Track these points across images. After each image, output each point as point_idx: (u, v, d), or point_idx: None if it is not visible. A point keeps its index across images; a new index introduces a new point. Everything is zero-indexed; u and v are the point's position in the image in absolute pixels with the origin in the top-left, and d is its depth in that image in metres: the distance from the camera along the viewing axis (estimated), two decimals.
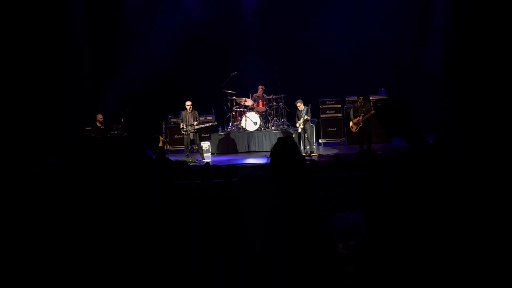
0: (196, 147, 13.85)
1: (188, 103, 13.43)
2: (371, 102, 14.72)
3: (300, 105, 13.93)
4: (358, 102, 13.30)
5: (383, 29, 16.26)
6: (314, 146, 13.93)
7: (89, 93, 15.87)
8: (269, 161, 3.55)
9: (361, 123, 13.12)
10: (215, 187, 6.61)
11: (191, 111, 13.40)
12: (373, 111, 12.99)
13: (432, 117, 15.73)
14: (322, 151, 14.23)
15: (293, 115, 14.34)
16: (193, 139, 13.49)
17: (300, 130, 13.90)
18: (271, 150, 3.63)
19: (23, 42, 13.16)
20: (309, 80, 16.28)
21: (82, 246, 2.71)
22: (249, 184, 3.60)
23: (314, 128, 14.43)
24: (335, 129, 15.49)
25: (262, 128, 14.85)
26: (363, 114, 13.09)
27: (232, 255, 3.41)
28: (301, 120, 13.79)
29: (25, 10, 13.21)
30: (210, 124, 14.43)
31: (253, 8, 16.90)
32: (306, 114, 13.75)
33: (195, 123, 13.33)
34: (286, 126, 14.95)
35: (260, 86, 15.12)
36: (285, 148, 3.53)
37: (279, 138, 3.70)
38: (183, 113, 13.55)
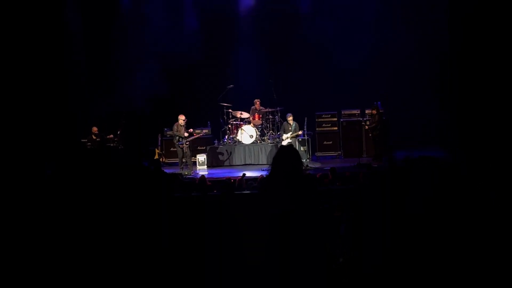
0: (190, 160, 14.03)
1: (183, 117, 13.77)
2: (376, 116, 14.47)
3: (291, 119, 14.22)
4: (371, 113, 14.26)
5: (379, 42, 16.29)
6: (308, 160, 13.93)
7: (86, 105, 15.87)
8: (267, 173, 3.55)
9: (369, 133, 14.12)
10: (211, 200, 6.59)
11: (184, 124, 13.78)
12: (377, 124, 13.79)
13: (432, 128, 15.68)
14: (318, 164, 14.20)
15: None
16: (186, 152, 13.74)
17: (285, 143, 14.00)
18: (273, 158, 3.61)
19: (21, 48, 13.17)
20: (305, 93, 16.29)
21: (80, 252, 2.69)
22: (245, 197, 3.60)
23: (310, 142, 14.44)
24: (331, 142, 15.48)
25: (258, 141, 14.86)
26: (367, 126, 14.21)
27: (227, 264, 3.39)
28: (289, 134, 14.14)
29: (24, 14, 13.26)
30: (203, 133, 14.74)
31: (249, 20, 16.96)
32: (296, 129, 14.15)
33: (186, 134, 13.79)
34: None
35: (256, 100, 15.16)
36: (287, 157, 3.51)
37: (281, 147, 3.69)
38: (176, 126, 13.76)
